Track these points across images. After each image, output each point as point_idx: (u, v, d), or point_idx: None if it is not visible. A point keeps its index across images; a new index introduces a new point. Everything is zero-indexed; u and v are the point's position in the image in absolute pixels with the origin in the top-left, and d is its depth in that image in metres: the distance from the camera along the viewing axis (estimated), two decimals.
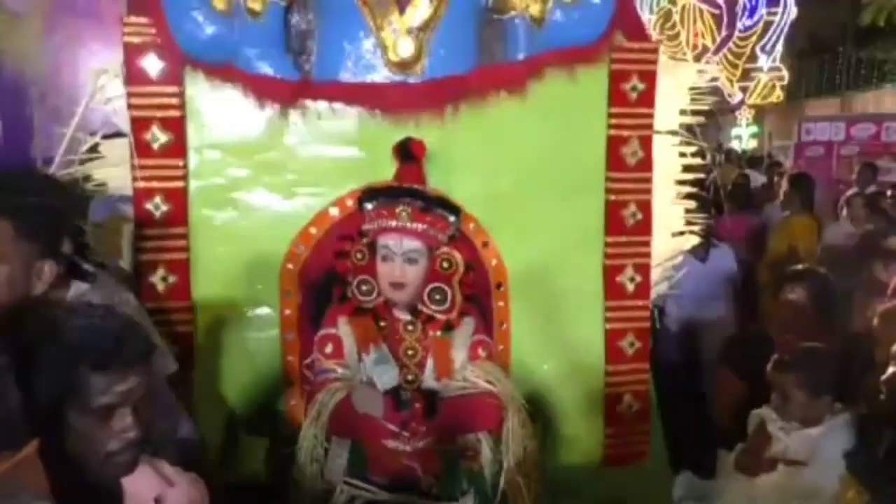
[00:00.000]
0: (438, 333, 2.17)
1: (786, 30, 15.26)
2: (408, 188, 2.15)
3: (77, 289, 1.98)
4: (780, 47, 15.49)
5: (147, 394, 1.30)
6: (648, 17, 14.37)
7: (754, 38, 15.37)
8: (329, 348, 2.19)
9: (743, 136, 17.63)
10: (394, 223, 2.08)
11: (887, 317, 2.27)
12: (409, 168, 2.18)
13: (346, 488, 2.13)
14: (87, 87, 2.22)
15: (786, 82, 15.97)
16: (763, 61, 15.48)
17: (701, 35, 15.04)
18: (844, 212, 5.20)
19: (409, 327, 2.20)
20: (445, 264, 2.14)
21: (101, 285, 2.06)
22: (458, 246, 2.19)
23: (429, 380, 2.19)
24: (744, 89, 15.71)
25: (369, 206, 2.13)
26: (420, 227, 2.08)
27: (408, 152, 2.19)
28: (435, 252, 2.12)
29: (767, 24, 15.25)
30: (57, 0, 2.82)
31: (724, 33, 15.17)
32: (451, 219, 2.12)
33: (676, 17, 14.83)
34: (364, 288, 2.14)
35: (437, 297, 2.13)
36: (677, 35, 14.74)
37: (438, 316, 2.14)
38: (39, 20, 2.80)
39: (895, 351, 1.90)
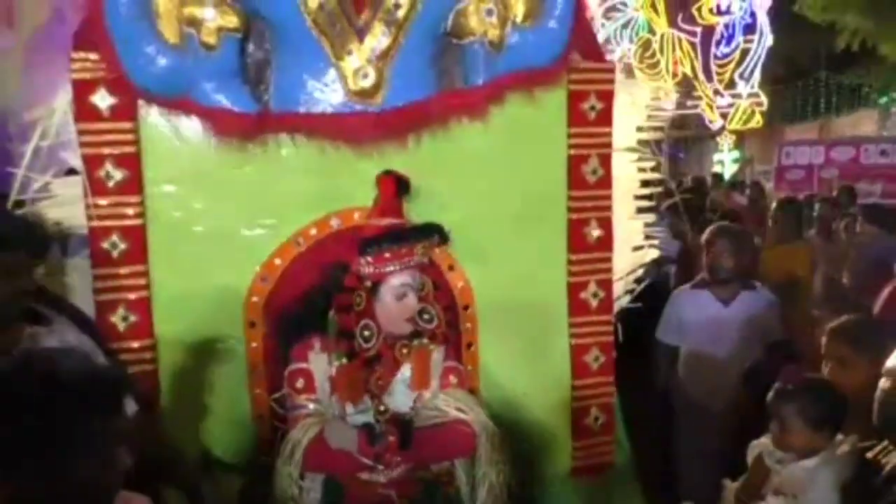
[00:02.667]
0: (424, 341, 2.21)
1: (763, 56, 15.50)
2: (411, 226, 2.20)
3: (32, 332, 1.95)
4: (758, 73, 15.71)
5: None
6: (628, 47, 14.71)
7: (732, 65, 15.60)
8: (300, 383, 2.18)
9: (725, 162, 18.07)
10: (412, 261, 2.13)
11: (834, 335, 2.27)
12: (395, 203, 2.19)
13: None
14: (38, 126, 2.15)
15: (765, 108, 16.25)
16: (742, 87, 15.70)
17: (680, 62, 15.31)
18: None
19: (404, 350, 2.22)
20: (424, 288, 2.21)
21: (56, 328, 2.03)
22: (427, 272, 2.24)
23: (399, 389, 2.20)
24: (724, 115, 16.06)
25: (372, 250, 2.12)
26: (415, 261, 2.15)
27: (400, 186, 2.20)
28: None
29: (745, 52, 15.44)
30: (40, 41, 2.69)
31: (701, 60, 15.48)
32: (436, 243, 2.21)
33: (656, 46, 15.11)
34: (366, 334, 2.14)
35: (426, 316, 2.21)
36: (657, 63, 15.02)
37: (428, 333, 2.22)
38: (20, 56, 2.68)
39: (890, 366, 1.83)
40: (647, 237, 2.66)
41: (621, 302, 2.66)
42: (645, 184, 2.64)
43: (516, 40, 2.33)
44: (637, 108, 2.57)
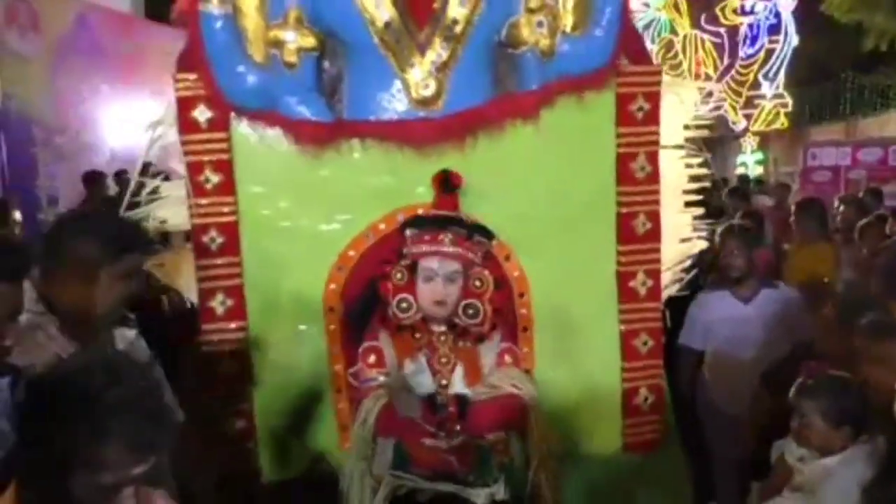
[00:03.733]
0: (468, 344, 2.43)
1: (788, 57, 15.31)
2: (449, 216, 2.41)
3: (123, 336, 2.05)
4: (782, 74, 15.54)
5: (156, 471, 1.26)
6: (650, 48, 14.43)
7: (756, 66, 15.46)
8: (372, 359, 2.46)
9: (748, 163, 17.60)
10: (437, 248, 2.34)
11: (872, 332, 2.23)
12: (448, 197, 2.42)
13: (391, 480, 2.43)
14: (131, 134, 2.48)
15: (790, 109, 15.96)
16: (766, 88, 15.54)
17: (703, 63, 15.04)
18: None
19: (443, 338, 2.46)
20: (478, 283, 2.38)
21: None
22: (488, 266, 2.44)
23: (458, 384, 2.45)
24: (748, 117, 15.66)
25: (412, 231, 2.39)
26: (460, 251, 2.34)
27: (447, 183, 2.43)
28: (469, 272, 2.37)
29: (769, 52, 15.36)
30: (64, 45, 3.01)
31: (726, 62, 15.13)
32: (486, 242, 2.38)
33: (678, 47, 14.93)
34: (403, 305, 2.38)
35: (471, 311, 2.38)
36: (679, 64, 14.93)
37: (473, 329, 2.40)
38: (46, 62, 3.01)
39: None
40: (695, 230, 2.80)
41: (669, 290, 2.81)
42: (692, 179, 2.78)
43: (566, 49, 2.54)
44: (684, 107, 2.71)
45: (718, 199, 6.30)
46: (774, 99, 15.78)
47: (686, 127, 2.73)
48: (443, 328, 2.45)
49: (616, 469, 2.68)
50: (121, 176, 7.70)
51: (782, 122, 16.08)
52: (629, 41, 2.60)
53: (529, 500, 2.48)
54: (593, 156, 2.67)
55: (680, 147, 2.73)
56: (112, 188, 7.09)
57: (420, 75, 2.47)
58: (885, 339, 2.19)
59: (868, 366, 2.18)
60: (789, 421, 2.18)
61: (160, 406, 1.29)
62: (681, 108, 2.71)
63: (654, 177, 2.69)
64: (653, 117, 2.65)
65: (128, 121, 9.47)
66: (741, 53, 15.58)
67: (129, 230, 2.08)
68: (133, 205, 2.59)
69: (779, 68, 15.65)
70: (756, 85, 15.65)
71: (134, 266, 1.98)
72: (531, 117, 2.56)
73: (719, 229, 3.43)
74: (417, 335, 2.44)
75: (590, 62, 2.56)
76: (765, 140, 17.40)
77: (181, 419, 1.96)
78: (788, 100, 15.89)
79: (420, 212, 2.48)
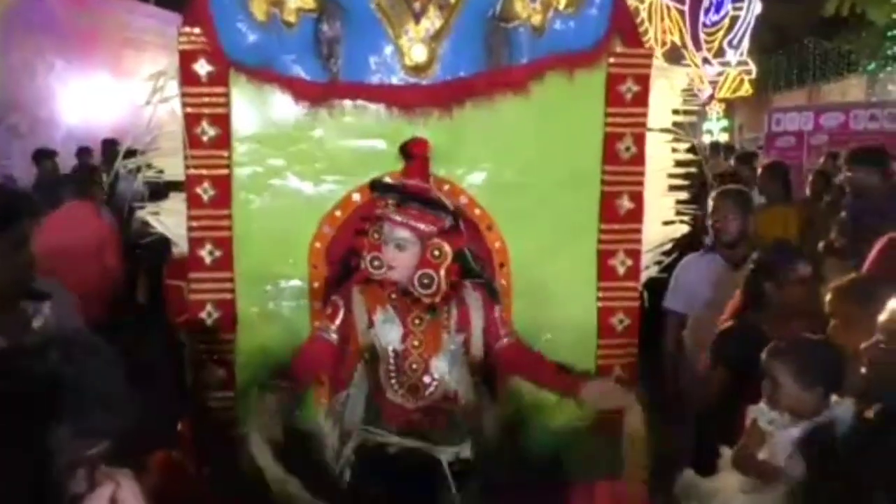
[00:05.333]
0: (422, 314, 2.44)
1: (752, 24, 15.20)
2: (412, 188, 2.42)
3: (37, 310, 1.97)
4: (746, 41, 15.45)
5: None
6: None
7: (721, 34, 15.40)
8: (329, 311, 2.53)
9: (714, 131, 17.60)
10: (385, 213, 2.38)
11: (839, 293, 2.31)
12: (414, 165, 2.47)
13: (360, 433, 2.49)
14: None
15: (754, 76, 15.92)
16: (731, 56, 15.47)
17: (669, 31, 15.02)
18: None
19: (408, 301, 2.46)
20: (436, 253, 2.38)
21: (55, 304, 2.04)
22: (450, 238, 2.41)
23: (441, 368, 2.44)
24: (713, 84, 15.61)
25: (374, 195, 2.46)
26: (409, 221, 2.35)
27: (407, 151, 2.47)
28: (426, 242, 2.37)
29: (734, 19, 15.26)
30: (14, 18, 3.03)
31: (690, 29, 15.14)
32: (446, 217, 2.39)
33: (644, 15, 14.87)
34: (376, 263, 2.44)
35: (426, 281, 2.38)
36: (645, 32, 14.78)
37: (424, 299, 2.41)
38: None
39: (882, 320, 1.86)
40: (678, 213, 2.83)
41: (649, 272, 2.85)
42: (678, 164, 2.82)
43: (558, 26, 2.60)
44: (674, 92, 2.76)
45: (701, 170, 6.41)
46: (738, 66, 15.77)
47: (675, 112, 2.77)
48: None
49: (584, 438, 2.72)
50: (82, 154, 7.60)
51: (747, 89, 16.07)
52: (623, 22, 2.65)
53: (496, 463, 2.53)
54: (580, 133, 2.72)
55: (667, 131, 2.77)
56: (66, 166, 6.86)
57: (413, 42, 2.54)
58: (850, 300, 2.23)
59: (835, 327, 2.22)
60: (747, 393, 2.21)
61: (112, 391, 1.27)
62: (671, 92, 2.75)
63: (639, 158, 2.73)
64: (642, 99, 2.70)
65: (84, 97, 9.30)
66: (706, 20, 15.60)
67: (11, 199, 2.07)
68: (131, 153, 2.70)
69: (743, 35, 15.61)
70: (721, 52, 15.60)
71: (22, 235, 1.94)
72: (520, 90, 2.62)
73: (713, 193, 3.43)
74: (391, 294, 2.50)
75: (582, 41, 2.61)
76: (730, 107, 17.49)
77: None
78: (752, 67, 15.88)
79: (387, 179, 2.53)
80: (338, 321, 2.48)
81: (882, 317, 1.89)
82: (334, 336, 2.48)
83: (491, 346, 2.55)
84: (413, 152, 2.45)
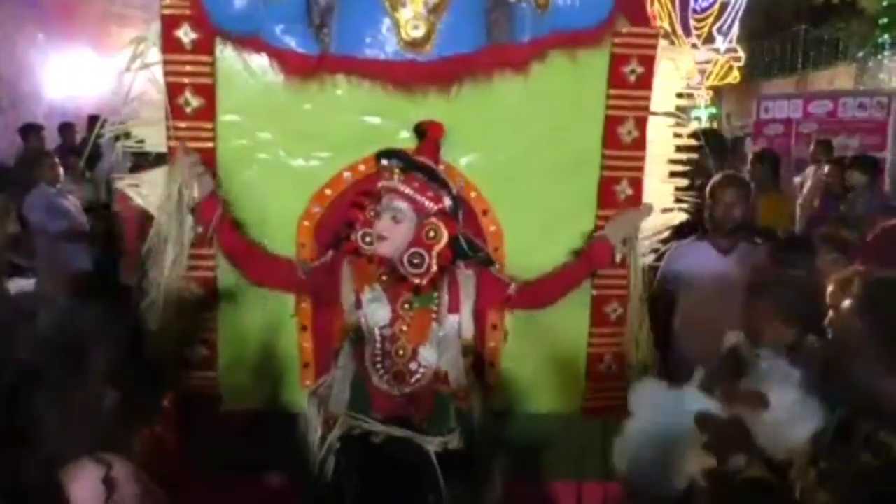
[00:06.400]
0: (409, 296, 2.39)
1: (741, 10, 15.10)
2: (419, 161, 2.37)
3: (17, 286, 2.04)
4: (736, 28, 15.35)
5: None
6: None
7: (711, 20, 15.29)
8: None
9: (702, 118, 17.62)
10: (388, 183, 2.31)
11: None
12: (426, 145, 2.40)
13: (346, 420, 2.43)
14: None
15: (742, 63, 15.84)
16: (720, 42, 15.39)
17: (658, 17, 14.90)
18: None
19: (395, 281, 2.40)
20: (431, 233, 2.33)
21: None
22: (447, 221, 2.36)
23: (429, 357, 2.41)
24: (701, 71, 15.55)
25: (385, 162, 2.37)
26: (409, 191, 2.30)
27: (423, 132, 2.41)
28: (423, 220, 2.32)
29: (723, 6, 15.17)
30: None
31: (679, 15, 15.03)
32: (447, 197, 2.33)
33: None
34: (367, 239, 2.37)
35: (416, 260, 2.33)
36: None
37: (411, 279, 2.34)
38: None
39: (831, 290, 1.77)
40: (678, 200, 2.76)
41: (647, 260, 2.79)
42: (680, 149, 2.74)
43: (562, 2, 2.47)
44: (679, 74, 2.66)
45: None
46: (727, 53, 15.72)
47: (679, 95, 2.68)
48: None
49: (574, 429, 2.69)
50: (65, 129, 7.53)
51: (735, 76, 16.02)
52: (629, 1, 2.54)
53: (483, 453, 2.50)
54: (581, 115, 2.62)
55: (670, 115, 2.68)
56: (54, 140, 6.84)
57: (410, 15, 2.41)
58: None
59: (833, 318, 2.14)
60: None
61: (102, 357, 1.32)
62: (675, 75, 2.66)
63: (640, 142, 2.64)
64: (646, 81, 2.60)
65: (67, 71, 9.08)
66: (696, 6, 15.51)
67: None
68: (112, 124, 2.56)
69: (733, 21, 15.56)
70: (710, 39, 15.52)
71: (4, 209, 1.94)
72: (521, 69, 2.51)
73: (713, 180, 3.37)
74: (380, 272, 2.42)
75: (586, 18, 2.49)
76: (718, 94, 17.40)
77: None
78: (741, 53, 15.85)
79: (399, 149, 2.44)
80: (317, 265, 2.46)
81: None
82: (303, 271, 2.46)
83: (500, 302, 2.53)
84: (427, 132, 2.39)
